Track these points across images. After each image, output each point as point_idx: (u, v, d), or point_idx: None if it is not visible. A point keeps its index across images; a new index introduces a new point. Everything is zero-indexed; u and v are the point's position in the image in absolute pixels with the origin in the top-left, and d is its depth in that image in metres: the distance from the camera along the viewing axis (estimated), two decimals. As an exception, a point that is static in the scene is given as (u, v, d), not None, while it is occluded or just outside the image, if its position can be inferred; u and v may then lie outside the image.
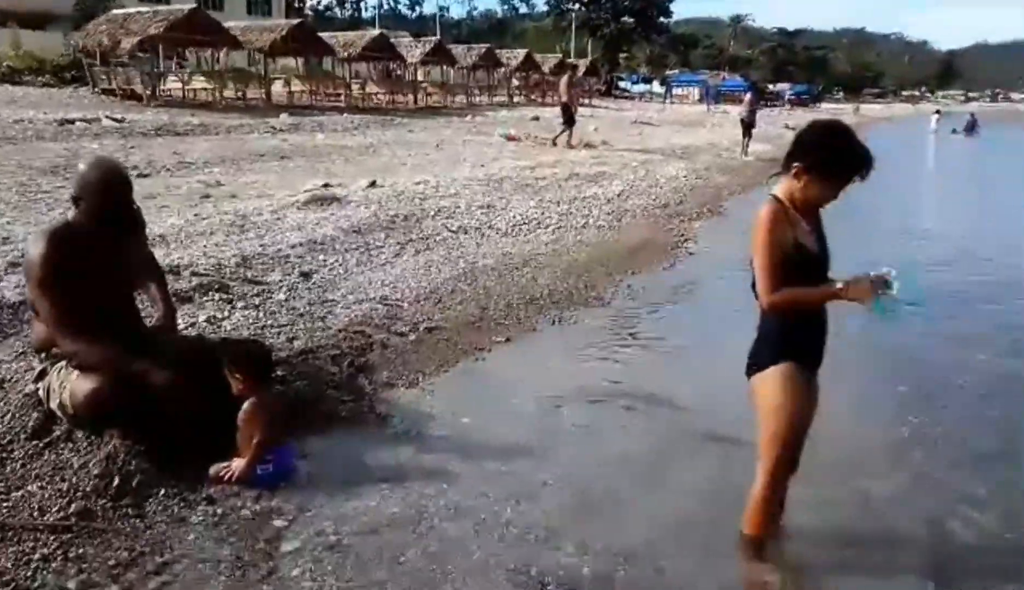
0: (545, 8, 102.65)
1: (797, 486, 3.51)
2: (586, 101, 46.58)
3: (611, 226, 11.28)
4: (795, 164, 3.13)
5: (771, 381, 3.24)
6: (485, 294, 7.49)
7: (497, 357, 6.03)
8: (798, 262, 3.11)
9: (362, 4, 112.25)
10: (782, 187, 3.21)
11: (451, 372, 5.64)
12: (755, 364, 3.32)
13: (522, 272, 8.38)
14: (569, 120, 21.91)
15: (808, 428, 3.31)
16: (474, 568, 3.39)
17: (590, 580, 3.35)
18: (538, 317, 7.03)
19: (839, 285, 3.02)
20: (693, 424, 4.92)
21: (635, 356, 6.22)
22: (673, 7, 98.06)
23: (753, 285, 3.25)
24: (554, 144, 21.77)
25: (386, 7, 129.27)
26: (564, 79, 23.49)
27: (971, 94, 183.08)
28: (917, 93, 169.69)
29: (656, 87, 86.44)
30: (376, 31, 43.58)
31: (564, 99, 22.52)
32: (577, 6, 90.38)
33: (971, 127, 43.76)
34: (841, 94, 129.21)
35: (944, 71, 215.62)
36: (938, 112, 52.34)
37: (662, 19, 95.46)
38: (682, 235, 11.14)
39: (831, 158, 3.09)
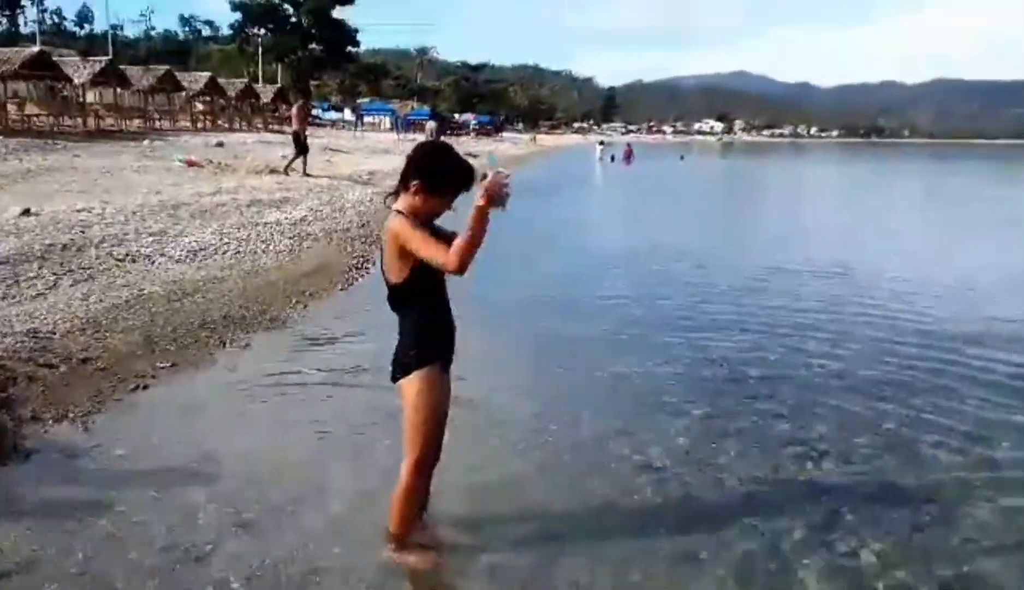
0: (230, 31, 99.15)
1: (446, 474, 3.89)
2: (284, 128, 45.66)
3: (291, 250, 11.31)
4: (413, 183, 3.52)
5: (416, 384, 3.53)
6: (151, 322, 7.23)
7: (161, 384, 5.87)
8: (428, 267, 3.49)
9: (20, 17, 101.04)
10: (404, 203, 3.52)
11: (107, 402, 5.40)
12: (399, 370, 3.59)
13: (194, 298, 8.18)
14: (301, 148, 21.98)
15: (445, 421, 3.67)
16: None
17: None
18: (210, 342, 6.93)
19: (480, 201, 3.21)
20: (358, 440, 5.07)
21: (307, 378, 6.29)
22: (362, 37, 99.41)
23: (390, 299, 3.55)
24: (286, 173, 21.77)
25: (49, 22, 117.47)
26: (295, 108, 23.63)
27: (630, 126, 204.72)
28: (586, 125, 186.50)
29: (348, 115, 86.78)
30: (36, 48, 39.50)
31: (295, 127, 22.59)
32: (263, 31, 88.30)
33: (627, 156, 49.50)
34: (521, 125, 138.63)
35: (607, 105, 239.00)
36: (602, 143, 58.55)
37: (351, 48, 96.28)
38: (362, 257, 11.46)
39: (440, 175, 3.50)
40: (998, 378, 6.63)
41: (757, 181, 42.96)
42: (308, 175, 21.60)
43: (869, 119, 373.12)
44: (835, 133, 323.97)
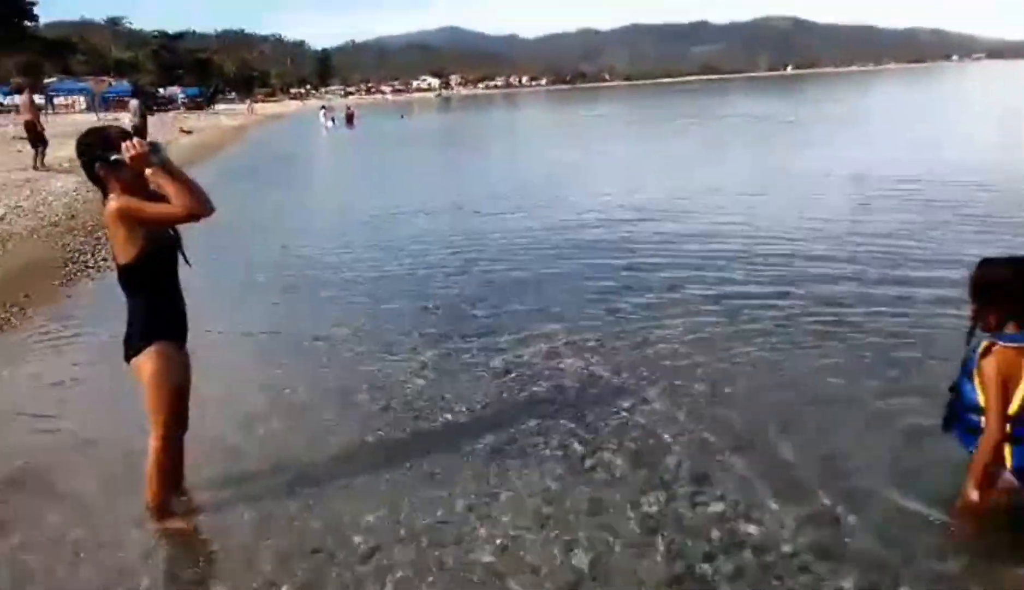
0: None
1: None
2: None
3: (-8, 254, 10.51)
4: (100, 171, 3.60)
5: (147, 360, 3.71)
6: None
7: None
8: (156, 249, 3.66)
9: None
10: (115, 185, 3.63)
11: None
12: (131, 349, 3.75)
13: None
14: (37, 139, 20.02)
15: (187, 392, 3.90)
16: None
17: None
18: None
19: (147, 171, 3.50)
20: (100, 434, 5.02)
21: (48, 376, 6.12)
22: (39, 11, 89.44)
23: (120, 280, 3.68)
24: (35, 168, 19.57)
25: None
26: (25, 97, 21.30)
27: (349, 89, 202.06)
28: (303, 90, 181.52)
29: (37, 98, 78.14)
30: None
31: (28, 117, 20.36)
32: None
33: (350, 118, 49.46)
34: (234, 95, 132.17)
35: (323, 69, 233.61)
36: (324, 107, 57.69)
37: (27, 23, 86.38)
38: (78, 251, 10.92)
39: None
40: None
41: (475, 131, 44.42)
42: (44, 167, 19.57)
43: (572, 65, 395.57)
44: (544, 81, 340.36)
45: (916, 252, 8.72)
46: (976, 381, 3.38)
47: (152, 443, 3.80)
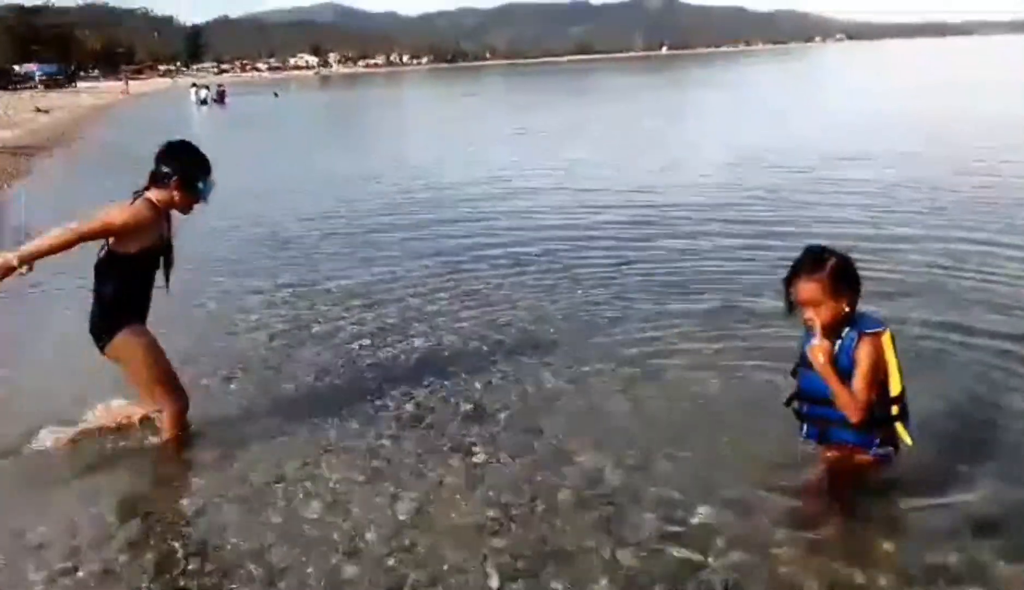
0: None
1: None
2: None
3: None
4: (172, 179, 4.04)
5: (124, 344, 4.01)
6: None
7: None
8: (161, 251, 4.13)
9: None
10: (157, 194, 4.06)
11: None
12: (105, 337, 4.03)
13: None
14: None
15: (168, 362, 4.16)
16: None
17: None
18: None
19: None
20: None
21: None
22: None
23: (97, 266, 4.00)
24: None
25: None
26: None
27: (223, 66, 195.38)
28: (173, 67, 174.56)
29: None
30: None
31: None
32: None
33: (221, 97, 48.79)
34: (98, 72, 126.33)
35: (194, 45, 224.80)
36: (194, 85, 56.53)
37: None
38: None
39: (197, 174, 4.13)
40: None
41: (357, 109, 44.13)
42: None
43: (453, 44, 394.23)
44: (425, 60, 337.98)
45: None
46: (856, 373, 3.29)
47: (166, 425, 4.18)
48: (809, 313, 3.31)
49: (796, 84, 46.92)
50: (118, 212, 3.93)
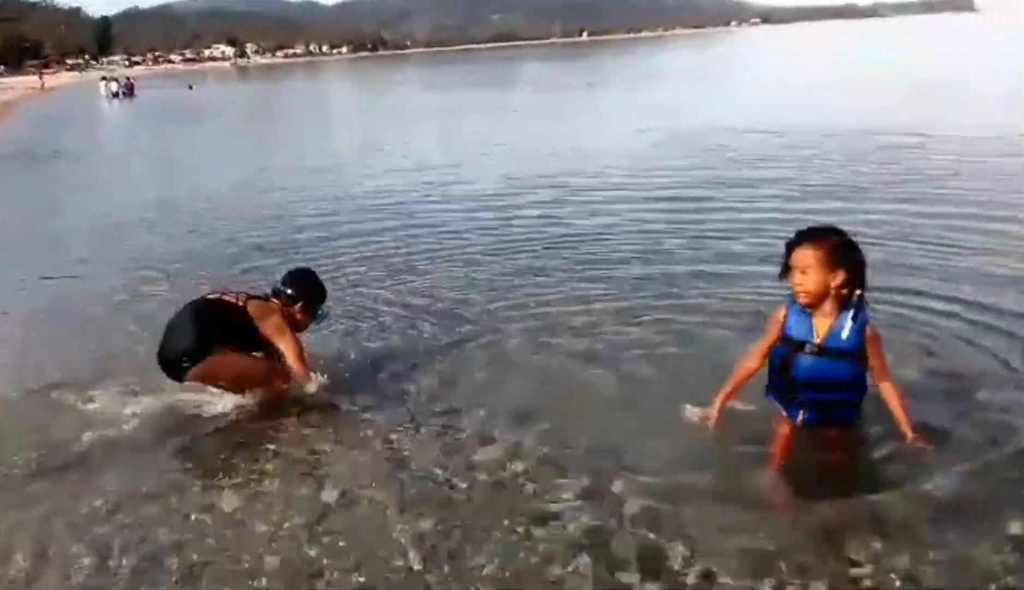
0: None
1: None
2: None
3: None
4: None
5: (221, 360, 4.48)
6: None
7: None
8: None
9: None
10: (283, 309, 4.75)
11: None
12: (191, 360, 4.44)
13: None
14: None
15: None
16: None
17: None
18: None
19: None
20: None
21: None
22: None
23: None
24: None
25: None
26: None
27: (134, 58, 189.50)
28: (82, 61, 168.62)
29: None
30: None
31: None
32: None
33: (130, 89, 47.70)
34: (3, 68, 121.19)
35: (103, 37, 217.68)
36: (104, 78, 54.99)
37: None
38: None
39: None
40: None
41: (276, 102, 43.55)
42: None
43: (374, 33, 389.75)
44: (345, 49, 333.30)
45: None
46: (869, 351, 3.43)
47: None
48: (798, 277, 3.40)
49: (710, 69, 47.75)
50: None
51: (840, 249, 3.38)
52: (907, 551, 2.98)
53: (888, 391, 3.52)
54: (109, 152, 22.99)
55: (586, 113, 23.47)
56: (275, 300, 4.76)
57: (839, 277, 3.35)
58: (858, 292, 3.39)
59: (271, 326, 4.57)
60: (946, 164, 10.61)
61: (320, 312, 4.89)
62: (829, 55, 52.72)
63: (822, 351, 3.42)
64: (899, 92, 21.14)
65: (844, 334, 3.39)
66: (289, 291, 4.75)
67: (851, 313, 3.39)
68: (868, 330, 3.40)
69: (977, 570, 2.90)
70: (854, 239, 3.47)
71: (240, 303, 4.60)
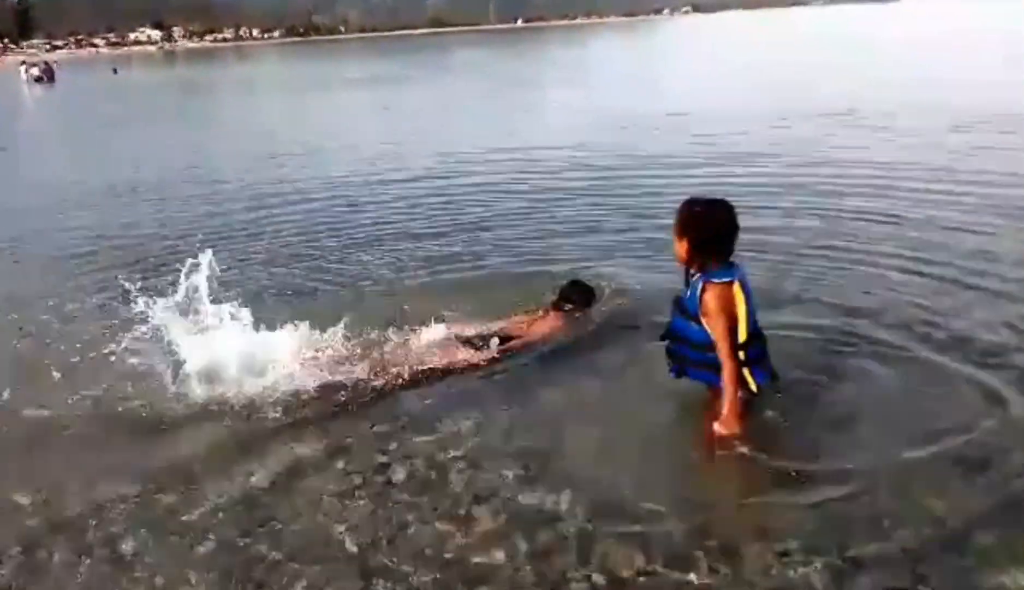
0: None
1: None
2: None
3: None
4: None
5: None
6: None
7: None
8: None
9: None
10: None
11: None
12: None
13: None
14: None
15: None
16: None
17: None
18: None
19: None
20: None
21: None
22: None
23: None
24: None
25: None
26: None
27: (56, 43, 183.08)
28: (2, 45, 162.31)
29: None
30: None
31: None
32: None
33: (50, 74, 46.43)
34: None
35: (23, 21, 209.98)
36: (24, 63, 53.58)
37: None
38: None
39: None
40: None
41: (202, 88, 42.76)
42: None
43: (305, 18, 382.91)
44: (277, 34, 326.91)
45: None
46: (703, 320, 3.59)
47: None
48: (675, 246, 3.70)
49: (633, 58, 48.19)
50: None
51: (686, 217, 3.66)
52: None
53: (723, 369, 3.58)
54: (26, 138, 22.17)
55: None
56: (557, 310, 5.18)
57: (684, 244, 3.64)
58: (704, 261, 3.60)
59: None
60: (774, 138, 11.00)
61: None
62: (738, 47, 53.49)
63: (681, 309, 3.74)
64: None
65: (687, 296, 3.69)
66: (574, 298, 5.23)
67: (698, 279, 3.63)
68: (704, 301, 3.58)
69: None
70: (720, 210, 3.65)
71: None
